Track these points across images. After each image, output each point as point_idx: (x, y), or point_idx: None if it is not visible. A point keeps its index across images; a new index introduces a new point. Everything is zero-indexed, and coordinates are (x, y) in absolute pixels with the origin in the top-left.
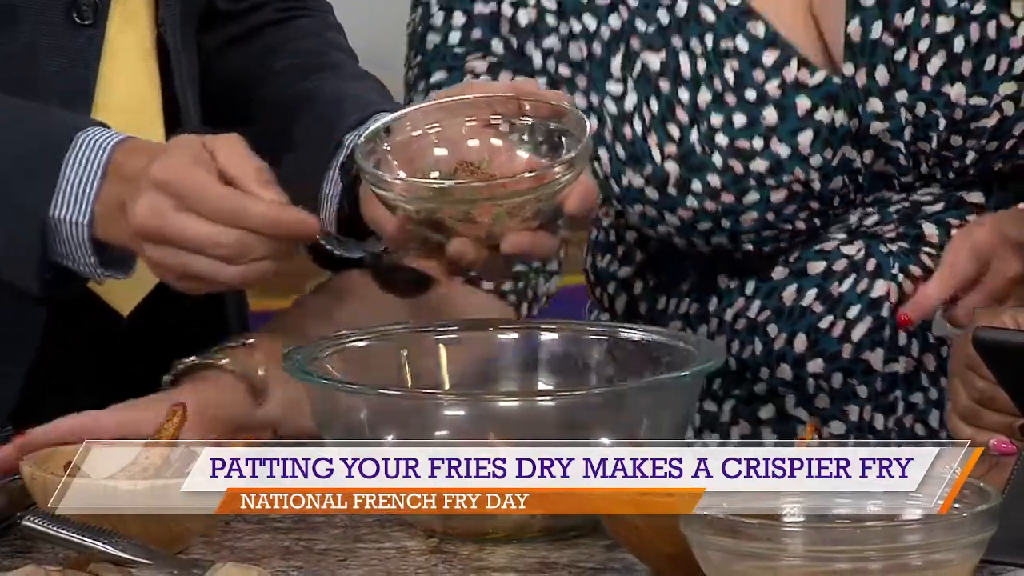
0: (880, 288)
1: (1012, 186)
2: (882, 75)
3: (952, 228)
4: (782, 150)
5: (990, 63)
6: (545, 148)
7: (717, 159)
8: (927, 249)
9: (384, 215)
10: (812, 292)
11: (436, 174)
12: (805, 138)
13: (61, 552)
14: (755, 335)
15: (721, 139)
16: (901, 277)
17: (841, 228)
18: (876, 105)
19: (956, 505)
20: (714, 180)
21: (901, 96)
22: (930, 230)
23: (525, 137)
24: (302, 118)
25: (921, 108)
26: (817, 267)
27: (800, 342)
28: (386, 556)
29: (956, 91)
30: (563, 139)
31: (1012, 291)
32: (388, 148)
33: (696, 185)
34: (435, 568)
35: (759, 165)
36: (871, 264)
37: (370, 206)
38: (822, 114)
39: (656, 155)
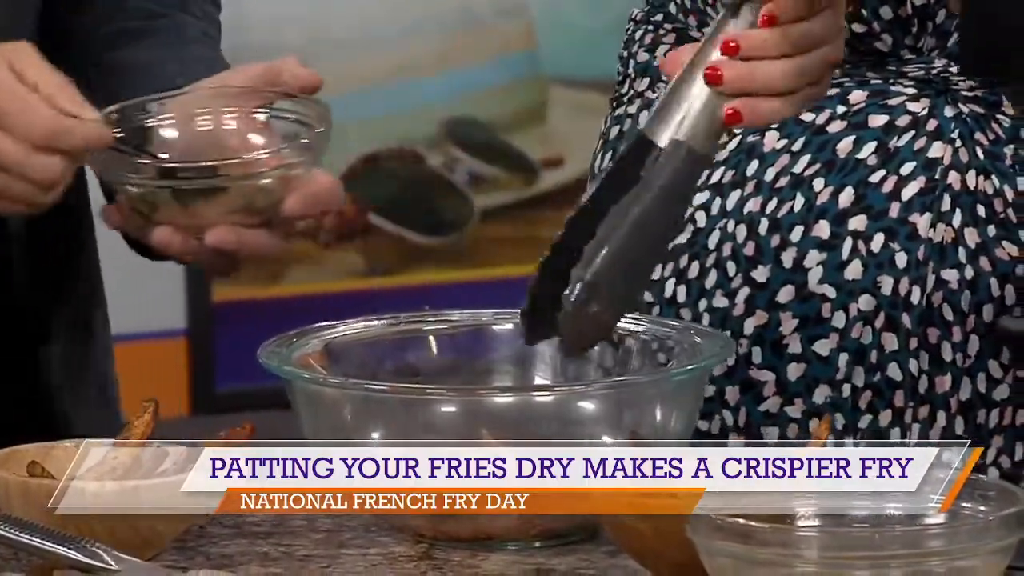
0: (937, 149)
1: None
2: None
3: None
4: None
5: None
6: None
7: None
8: (1000, 116)
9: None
10: (871, 145)
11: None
12: None
13: (24, 558)
14: (798, 190)
15: None
16: (959, 143)
17: (911, 83)
18: None
19: (982, 508)
20: None
21: None
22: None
23: (265, 127)
24: (101, 92)
25: None
26: (879, 120)
27: (846, 196)
28: (372, 563)
29: None
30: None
31: None
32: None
33: None
34: None
35: None
36: (932, 124)
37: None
38: None
39: None
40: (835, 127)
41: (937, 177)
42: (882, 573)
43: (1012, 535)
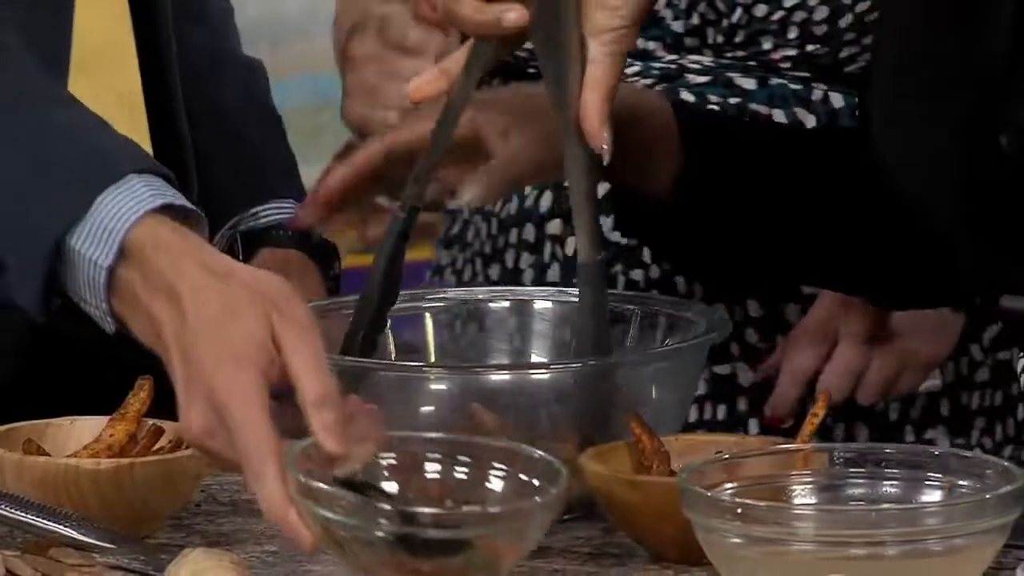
0: None
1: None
2: None
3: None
4: None
5: None
6: None
7: None
8: None
9: None
10: None
11: None
12: None
13: (20, 536)
14: (515, 193)
15: None
16: None
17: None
18: None
19: (978, 486)
20: None
21: None
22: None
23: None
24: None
25: None
26: None
27: (546, 200)
28: None
29: None
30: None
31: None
32: None
33: None
34: None
35: None
36: None
37: None
38: None
39: None
40: None
41: None
42: (878, 551)
43: (1009, 513)
